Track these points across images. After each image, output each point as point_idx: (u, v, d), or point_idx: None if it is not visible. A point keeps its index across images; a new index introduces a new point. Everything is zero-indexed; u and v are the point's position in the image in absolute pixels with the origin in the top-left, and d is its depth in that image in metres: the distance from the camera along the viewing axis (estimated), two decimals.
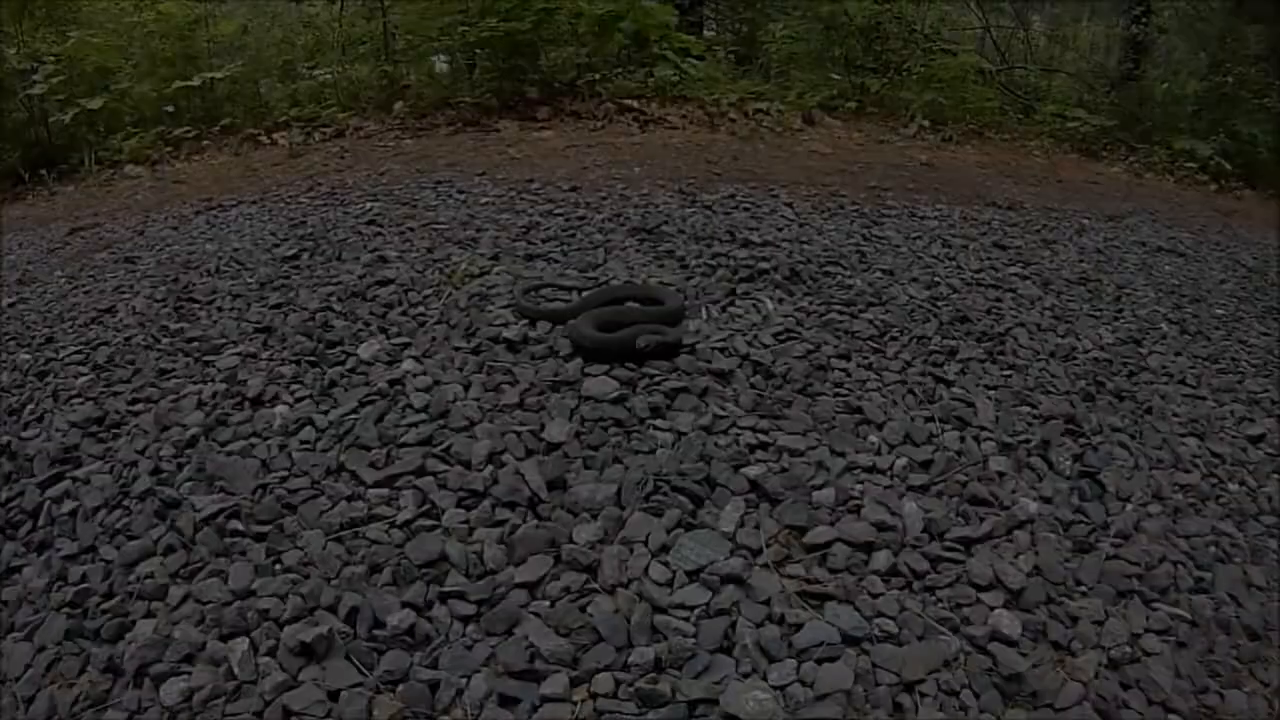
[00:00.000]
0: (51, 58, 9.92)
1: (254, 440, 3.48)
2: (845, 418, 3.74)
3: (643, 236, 5.54)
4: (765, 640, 2.64)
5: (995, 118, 10.99)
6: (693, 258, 5.12)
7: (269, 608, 2.73)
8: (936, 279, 5.50)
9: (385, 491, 3.27)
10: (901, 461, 3.56)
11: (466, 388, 3.79)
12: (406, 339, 4.29)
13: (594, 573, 2.86)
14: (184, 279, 5.11)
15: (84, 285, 5.33)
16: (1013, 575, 2.91)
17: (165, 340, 4.25)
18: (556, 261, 5.13)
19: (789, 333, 4.25)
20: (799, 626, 2.69)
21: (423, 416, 3.63)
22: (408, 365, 4.02)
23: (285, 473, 3.27)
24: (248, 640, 2.64)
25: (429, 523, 3.12)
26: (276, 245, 5.76)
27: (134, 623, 2.77)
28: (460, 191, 6.78)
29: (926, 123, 9.95)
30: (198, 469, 3.25)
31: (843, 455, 3.52)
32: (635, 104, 9.18)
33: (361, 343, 4.27)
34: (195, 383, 3.82)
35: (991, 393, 4.27)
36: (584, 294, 4.54)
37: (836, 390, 3.95)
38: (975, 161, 9.51)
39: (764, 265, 5.02)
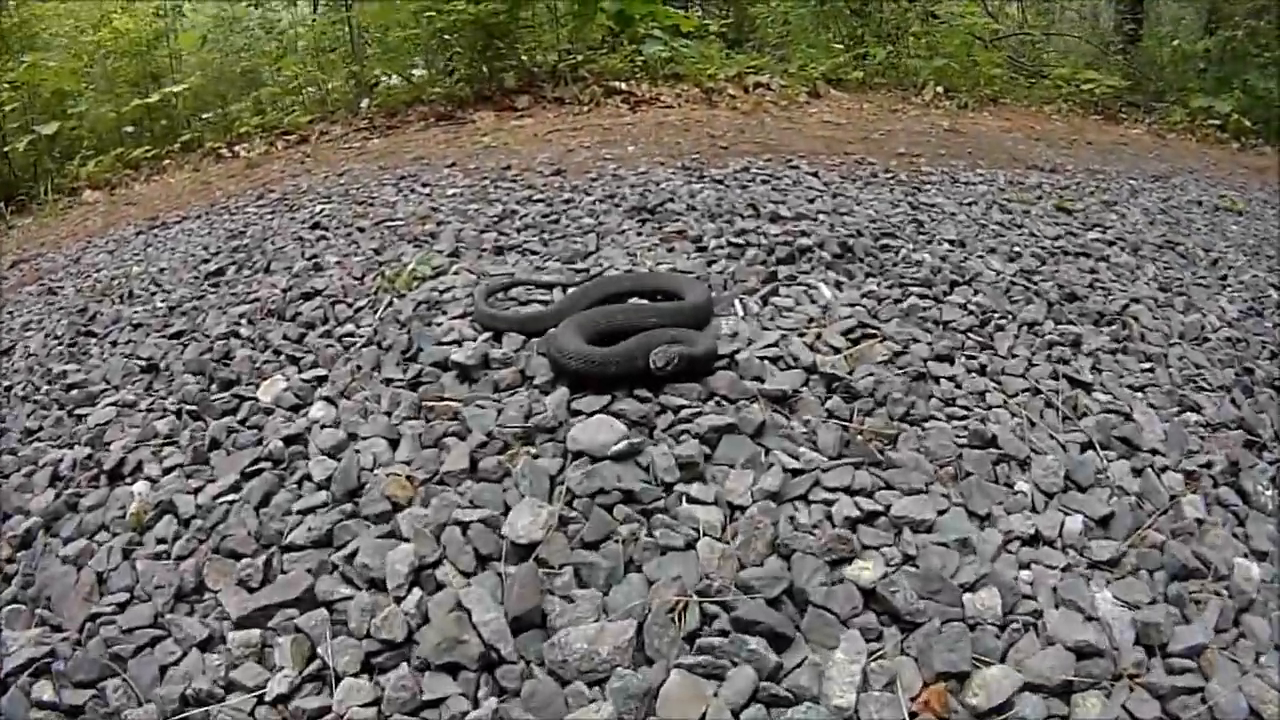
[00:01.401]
0: (6, 85, 8.61)
1: (100, 538, 2.33)
2: (976, 455, 2.25)
3: (643, 217, 4.01)
4: None
5: (1004, 86, 9.47)
6: (711, 237, 3.59)
7: None
8: (1016, 249, 4.02)
9: (255, 635, 1.88)
10: (1074, 522, 2.15)
11: (393, 445, 2.33)
12: (323, 371, 2.85)
13: None
14: (92, 309, 4.18)
15: None
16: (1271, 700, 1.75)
17: (44, 388, 3.30)
18: (534, 253, 3.60)
19: (864, 328, 2.73)
20: None
21: (323, 497, 2.17)
22: (316, 411, 2.58)
23: (125, 594, 2.11)
24: None
25: (315, 703, 1.62)
26: (205, 260, 4.54)
27: None
28: (424, 185, 5.29)
29: (940, 89, 8.42)
30: (23, 584, 2.21)
31: (988, 520, 2.09)
32: (624, 85, 7.66)
33: (264, 380, 2.88)
34: (59, 446, 2.81)
35: (1139, 395, 2.87)
36: (569, 291, 2.99)
37: (949, 410, 2.46)
38: (998, 127, 8.03)
39: (805, 242, 3.49)
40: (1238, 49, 11.00)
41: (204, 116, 9.32)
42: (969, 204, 4.84)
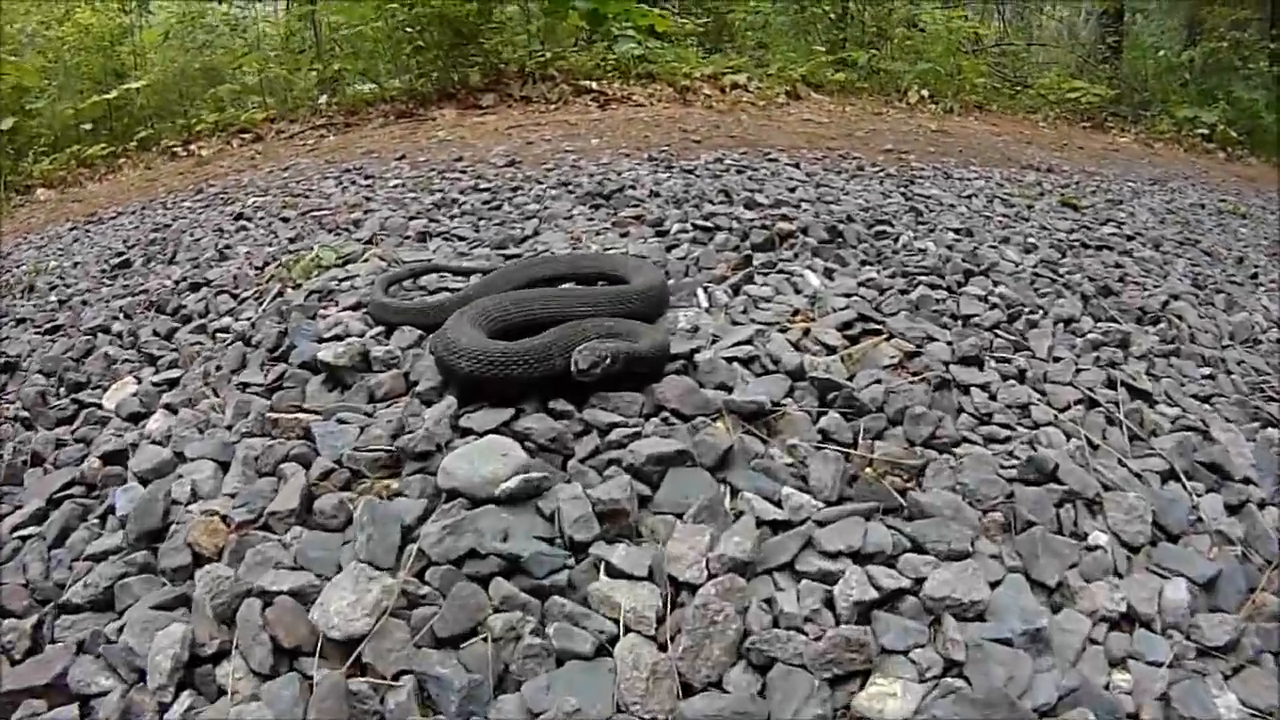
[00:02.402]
0: None
1: None
2: (1032, 494, 1.56)
3: (597, 203, 3.32)
4: None
5: (989, 94, 8.83)
6: (674, 222, 2.89)
7: None
8: (1030, 240, 3.34)
9: None
10: (1175, 590, 1.46)
11: (224, 468, 1.58)
12: (178, 371, 2.13)
13: None
14: None
15: None
16: None
17: None
18: (462, 239, 2.90)
19: (865, 322, 2.01)
20: None
21: (117, 540, 1.48)
22: (154, 422, 1.92)
23: None
24: None
25: None
26: (120, 254, 3.98)
27: None
28: (367, 178, 4.60)
29: (925, 93, 7.75)
30: None
31: (1061, 593, 1.39)
32: (594, 85, 6.94)
33: (116, 381, 2.23)
34: None
35: (1209, 408, 2.19)
36: (486, 275, 2.25)
37: (986, 429, 1.75)
38: (987, 130, 7.39)
39: (785, 227, 2.78)
40: (1222, 60, 10.45)
41: (161, 114, 8.61)
42: (968, 197, 4.17)
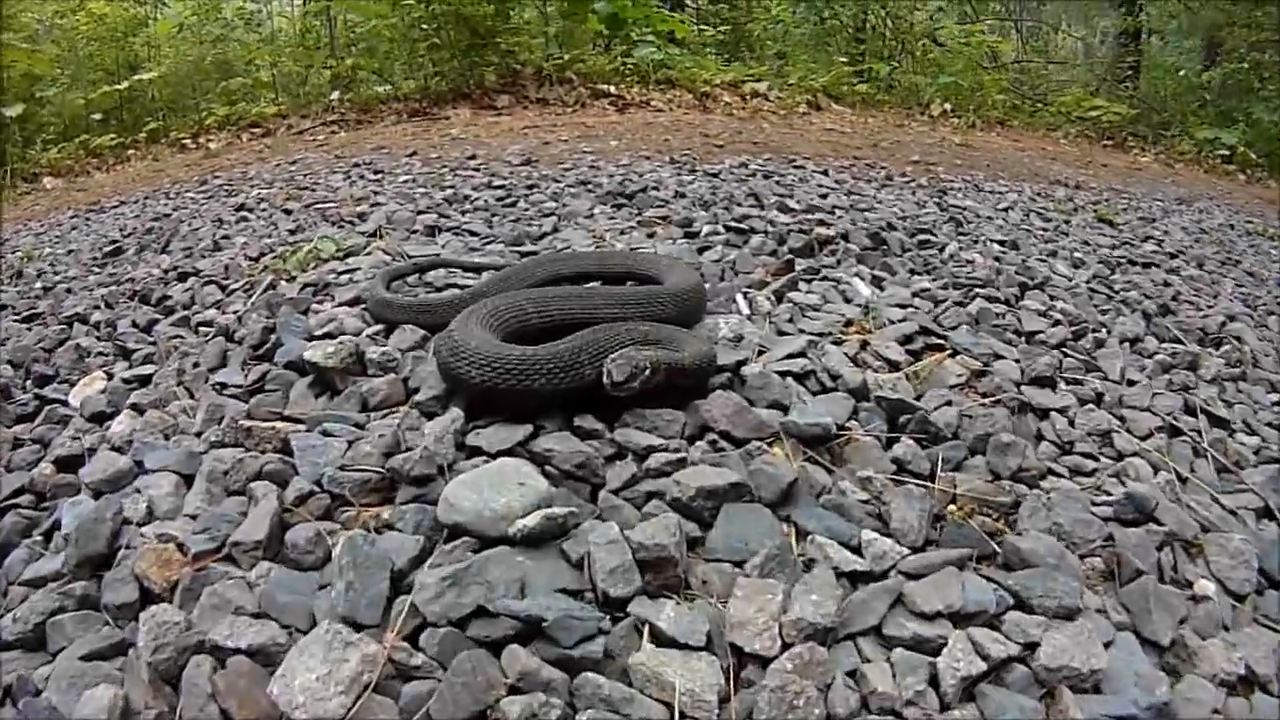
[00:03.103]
0: None
1: None
2: (1134, 537, 1.27)
3: (619, 202, 3.06)
4: None
5: (1009, 111, 8.58)
6: (704, 223, 2.63)
7: None
8: (1077, 255, 3.10)
9: None
10: None
11: (188, 483, 1.30)
12: (152, 367, 1.86)
13: None
14: None
15: None
16: None
17: None
18: (474, 234, 2.63)
19: (926, 335, 1.75)
20: None
21: (57, 564, 1.24)
22: (118, 424, 1.65)
23: None
24: None
25: None
26: (114, 241, 3.76)
27: None
28: (376, 172, 4.35)
29: (949, 105, 7.49)
30: None
31: (1176, 653, 1.13)
32: (612, 89, 6.69)
33: (85, 376, 1.98)
34: None
35: None
36: (501, 271, 1.99)
37: (1070, 460, 1.49)
38: (1010, 146, 7.14)
39: (824, 232, 2.51)
40: (1243, 82, 10.19)
41: (173, 107, 8.41)
42: (1004, 210, 3.91)
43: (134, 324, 2.27)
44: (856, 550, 1.10)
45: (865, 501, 1.20)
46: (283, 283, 2.28)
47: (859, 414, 1.41)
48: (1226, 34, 10.54)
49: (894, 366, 1.60)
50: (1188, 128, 9.36)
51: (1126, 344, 2.15)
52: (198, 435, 1.49)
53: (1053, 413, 1.61)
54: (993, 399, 1.56)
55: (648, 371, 1.27)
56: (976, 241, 2.95)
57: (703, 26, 8.19)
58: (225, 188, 4.82)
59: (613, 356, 1.30)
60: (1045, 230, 3.59)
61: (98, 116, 8.07)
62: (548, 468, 1.19)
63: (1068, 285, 2.52)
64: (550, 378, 1.27)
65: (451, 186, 3.64)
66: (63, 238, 4.38)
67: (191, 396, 1.70)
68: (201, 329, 2.09)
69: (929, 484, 1.27)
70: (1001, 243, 3.00)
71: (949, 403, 1.50)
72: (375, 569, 1.01)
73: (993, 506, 1.26)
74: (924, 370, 1.61)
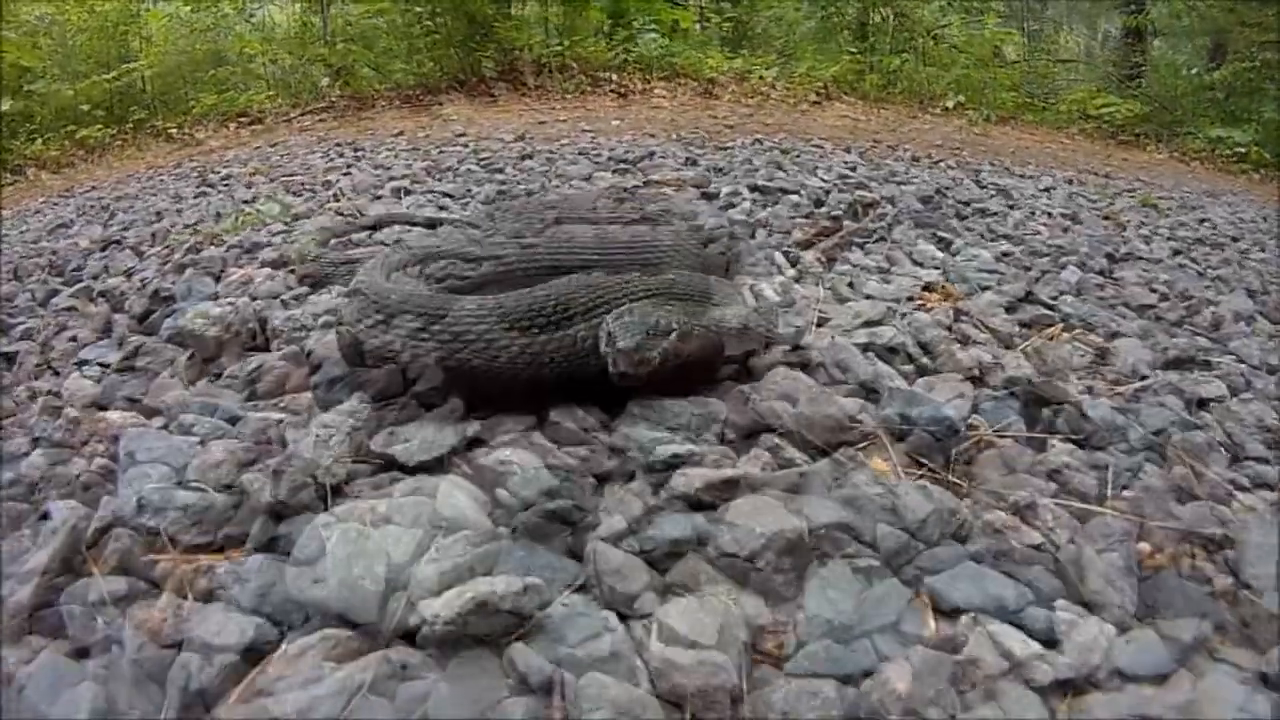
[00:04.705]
0: None
1: None
2: None
3: (621, 168, 2.57)
4: None
5: (1018, 108, 8.11)
6: (724, 186, 2.13)
7: None
8: (1142, 232, 2.58)
9: None
10: None
11: None
12: (25, 344, 1.33)
13: None
14: None
15: None
16: None
17: None
18: (448, 195, 2.14)
19: (1032, 305, 1.23)
20: None
21: None
22: None
23: None
24: None
25: None
26: (73, 220, 3.42)
27: None
28: (357, 150, 3.90)
29: (962, 98, 7.02)
30: None
31: None
32: (614, 76, 6.21)
33: None
34: None
35: None
36: (496, 208, 1.50)
37: (1248, 470, 0.96)
38: (1026, 140, 6.63)
39: (866, 195, 2.02)
40: (1251, 81, 9.75)
41: (164, 100, 7.97)
42: (1049, 189, 3.44)
43: (32, 296, 1.80)
44: (1050, 643, 0.62)
45: (1037, 547, 0.72)
46: (210, 247, 1.80)
47: (979, 406, 0.93)
48: (1236, 34, 10.09)
49: (1004, 342, 1.12)
50: (1198, 126, 8.91)
51: (1242, 322, 1.68)
52: (28, 430, 1.01)
53: (1211, 403, 1.13)
54: (1136, 385, 1.08)
55: (673, 337, 0.79)
56: (1034, 214, 2.48)
57: (705, 22, 7.72)
58: (198, 171, 4.38)
59: (615, 314, 0.82)
60: (1096, 210, 3.13)
61: (86, 107, 7.65)
62: (500, 492, 0.70)
63: (1155, 258, 2.05)
64: (519, 347, 0.79)
65: (434, 159, 3.18)
66: (22, 219, 3.99)
67: (58, 375, 1.23)
68: (101, 297, 1.62)
69: (1105, 510, 0.79)
70: (1065, 214, 2.53)
71: (1088, 390, 1.02)
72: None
73: (1198, 541, 0.78)
74: (1041, 347, 1.13)
